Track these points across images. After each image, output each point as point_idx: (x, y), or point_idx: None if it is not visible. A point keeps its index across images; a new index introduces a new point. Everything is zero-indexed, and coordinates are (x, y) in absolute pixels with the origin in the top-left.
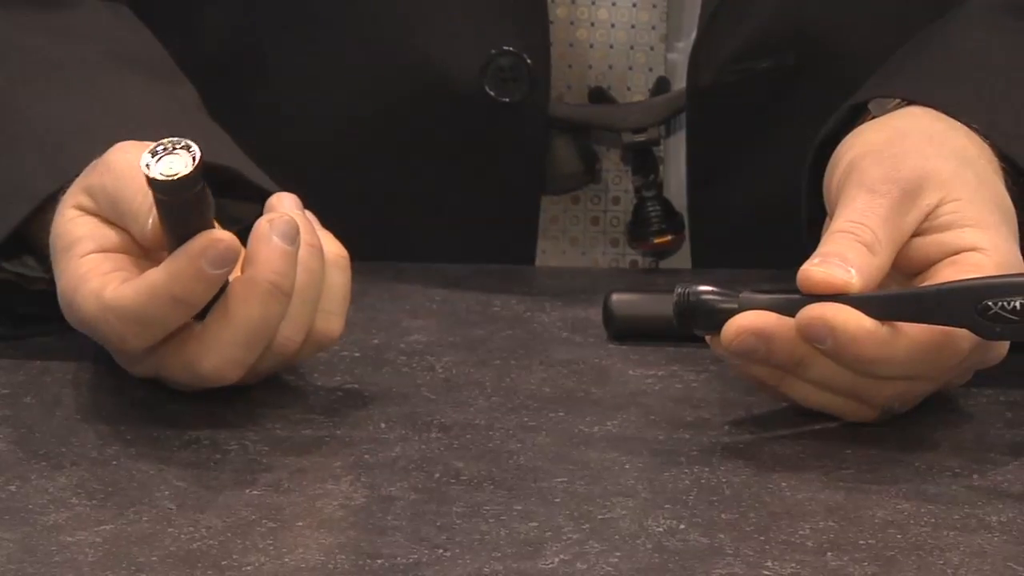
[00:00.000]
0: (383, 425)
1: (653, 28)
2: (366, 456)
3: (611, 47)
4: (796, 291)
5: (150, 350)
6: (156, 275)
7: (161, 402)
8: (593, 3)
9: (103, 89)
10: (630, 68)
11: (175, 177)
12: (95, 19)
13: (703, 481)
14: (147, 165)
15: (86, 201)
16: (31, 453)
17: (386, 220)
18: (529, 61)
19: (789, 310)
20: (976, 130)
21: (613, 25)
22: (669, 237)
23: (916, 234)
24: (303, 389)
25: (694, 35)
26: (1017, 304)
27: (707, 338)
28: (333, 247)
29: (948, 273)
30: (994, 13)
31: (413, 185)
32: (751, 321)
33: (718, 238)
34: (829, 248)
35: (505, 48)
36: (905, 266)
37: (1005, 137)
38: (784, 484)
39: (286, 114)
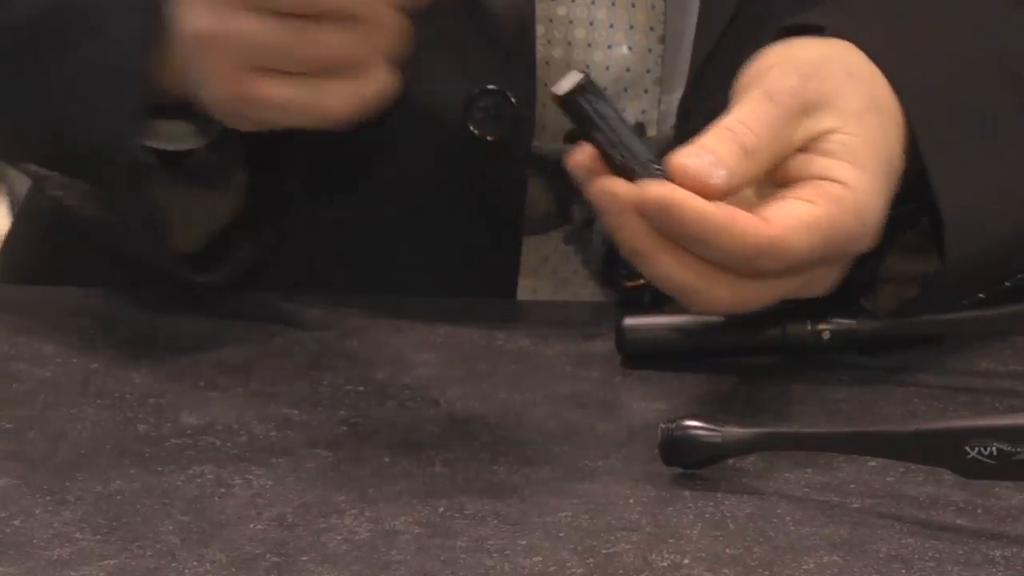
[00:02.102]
0: (387, 459)
1: (648, 72)
2: (370, 490)
3: (605, 90)
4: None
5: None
6: None
7: (165, 436)
8: (589, 46)
9: None
10: (623, 111)
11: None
12: None
13: (707, 516)
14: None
15: None
16: (35, 488)
17: (366, 253)
18: (514, 100)
19: (767, 444)
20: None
21: (608, 68)
22: (641, 281)
23: (800, 150)
24: (307, 423)
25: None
26: (994, 449)
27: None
28: None
29: (801, 192)
30: None
31: (393, 219)
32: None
33: None
34: (708, 141)
35: (489, 87)
36: (776, 176)
37: (908, 90)
38: (788, 519)
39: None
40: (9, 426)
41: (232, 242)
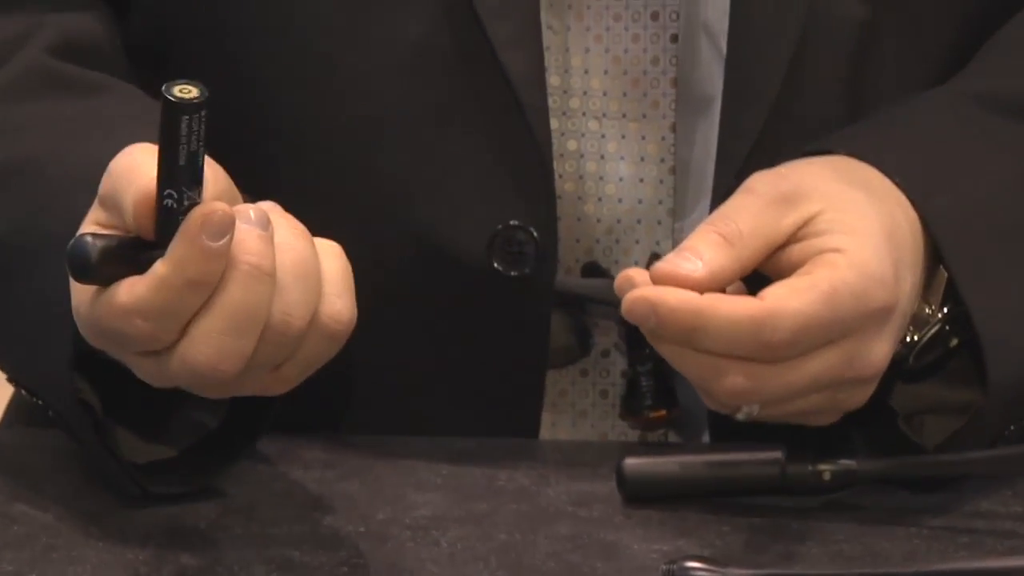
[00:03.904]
0: None
1: (660, 203)
2: None
3: (618, 222)
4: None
5: (155, 358)
6: (164, 266)
7: None
8: (601, 178)
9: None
10: (637, 242)
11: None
12: (133, 93)
13: None
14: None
15: (101, 214)
16: None
17: (386, 391)
18: (536, 235)
19: None
20: (898, 185)
21: (620, 200)
22: (663, 412)
23: (795, 240)
24: (308, 564)
25: (700, 206)
26: None
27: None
28: (323, 240)
29: (801, 280)
30: (963, 98)
31: (414, 356)
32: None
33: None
34: (686, 242)
35: (512, 223)
36: (782, 272)
37: (921, 191)
38: None
39: None
40: (10, 568)
41: (200, 454)
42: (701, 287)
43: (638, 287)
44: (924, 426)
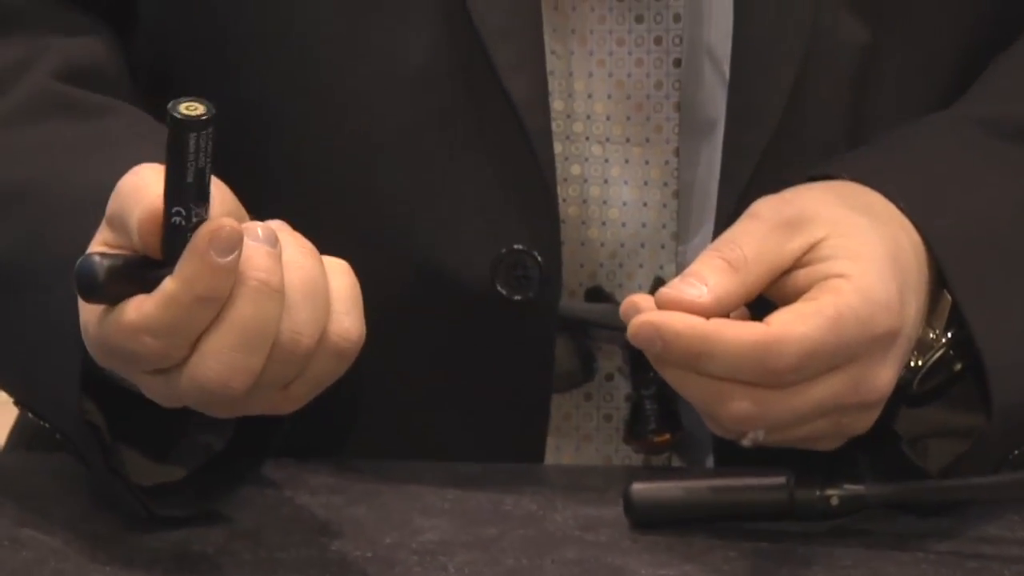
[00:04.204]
0: None
1: (664, 227)
2: None
3: (622, 246)
4: None
5: (165, 376)
6: (172, 283)
7: None
8: (604, 202)
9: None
10: (640, 266)
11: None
12: (138, 115)
13: None
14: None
15: (109, 234)
16: None
17: (390, 414)
18: (540, 259)
19: None
20: (903, 209)
21: (624, 224)
22: (667, 435)
23: (800, 266)
24: None
25: (703, 230)
26: None
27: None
28: (331, 258)
29: (806, 306)
30: (966, 123)
31: (418, 379)
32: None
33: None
34: (691, 268)
35: (516, 246)
36: (787, 298)
37: (924, 215)
38: None
39: None
40: None
41: (206, 476)
42: (706, 312)
43: (643, 312)
44: (928, 450)
